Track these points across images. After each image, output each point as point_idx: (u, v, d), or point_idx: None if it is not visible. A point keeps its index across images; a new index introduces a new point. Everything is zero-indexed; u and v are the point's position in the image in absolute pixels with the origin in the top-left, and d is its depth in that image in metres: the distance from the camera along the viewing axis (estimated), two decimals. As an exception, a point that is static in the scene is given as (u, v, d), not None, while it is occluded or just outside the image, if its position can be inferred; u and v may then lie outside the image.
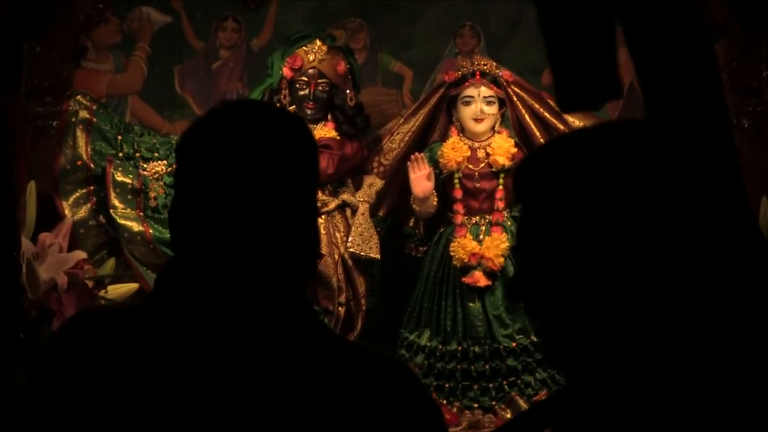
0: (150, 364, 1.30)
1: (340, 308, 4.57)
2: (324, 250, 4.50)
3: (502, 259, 4.58)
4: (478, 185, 4.67)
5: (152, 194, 4.66)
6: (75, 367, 1.33)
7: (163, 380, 1.29)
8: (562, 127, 4.69)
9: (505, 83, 4.70)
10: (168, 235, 4.81)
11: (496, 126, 4.68)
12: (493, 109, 4.65)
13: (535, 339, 4.58)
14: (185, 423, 1.28)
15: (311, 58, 4.63)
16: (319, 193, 4.41)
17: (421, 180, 4.59)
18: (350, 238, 4.60)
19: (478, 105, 4.63)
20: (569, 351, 1.12)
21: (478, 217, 4.67)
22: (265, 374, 1.29)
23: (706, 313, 1.07)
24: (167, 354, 1.30)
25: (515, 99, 4.74)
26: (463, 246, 4.58)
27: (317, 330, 1.37)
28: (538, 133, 4.71)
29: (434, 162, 4.68)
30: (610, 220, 1.08)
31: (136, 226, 4.60)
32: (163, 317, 1.33)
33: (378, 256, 4.63)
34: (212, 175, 1.32)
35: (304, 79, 4.63)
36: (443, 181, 4.70)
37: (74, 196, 4.66)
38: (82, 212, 4.65)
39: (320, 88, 4.63)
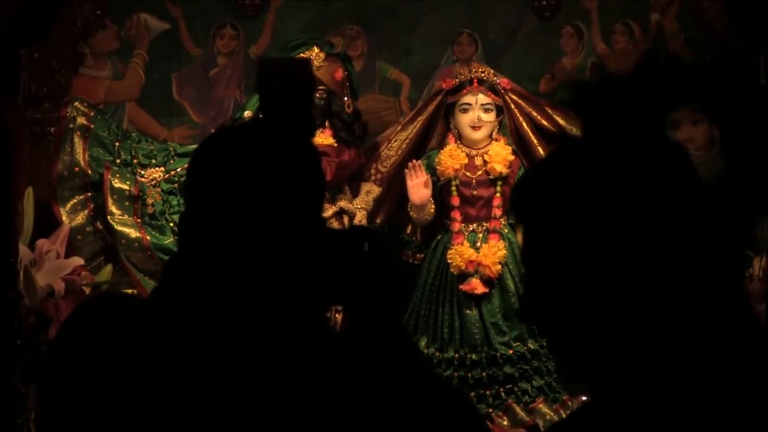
0: (156, 359, 1.33)
1: (337, 315, 4.56)
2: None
3: (499, 267, 4.58)
4: (475, 192, 4.67)
5: (149, 201, 4.66)
6: (86, 359, 1.36)
7: (170, 375, 1.32)
8: (559, 134, 4.70)
9: (502, 91, 4.71)
10: (165, 242, 4.83)
11: (494, 133, 4.68)
12: (491, 117, 4.65)
13: (531, 346, 4.58)
14: (190, 415, 1.31)
15: (309, 66, 4.63)
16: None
17: (418, 187, 4.60)
18: (347, 245, 4.60)
19: (476, 112, 4.63)
20: (587, 366, 1.10)
21: (475, 225, 4.67)
22: (268, 371, 1.31)
23: (722, 330, 1.05)
24: (173, 350, 1.33)
25: (513, 107, 4.74)
26: (460, 253, 4.58)
27: (320, 329, 1.40)
28: (535, 141, 4.72)
29: (432, 169, 4.68)
30: (616, 235, 1.05)
31: (133, 233, 4.60)
32: (170, 311, 1.37)
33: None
34: (220, 189, 1.39)
35: (302, 86, 4.63)
36: (441, 188, 4.70)
37: (71, 203, 4.66)
38: (80, 219, 4.65)
39: (318, 95, 4.62)
